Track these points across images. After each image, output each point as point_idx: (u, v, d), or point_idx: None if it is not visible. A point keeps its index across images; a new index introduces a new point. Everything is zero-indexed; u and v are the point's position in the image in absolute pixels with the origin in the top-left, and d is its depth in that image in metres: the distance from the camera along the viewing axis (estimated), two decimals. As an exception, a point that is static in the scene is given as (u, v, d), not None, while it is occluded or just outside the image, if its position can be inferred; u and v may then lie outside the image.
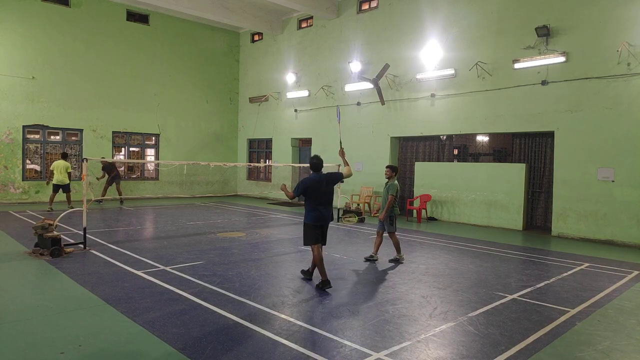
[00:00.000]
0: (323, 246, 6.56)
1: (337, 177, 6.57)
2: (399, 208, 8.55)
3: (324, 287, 6.29)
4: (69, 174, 14.25)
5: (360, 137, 16.46)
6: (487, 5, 12.97)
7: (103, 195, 16.10)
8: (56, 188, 14.06)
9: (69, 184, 14.27)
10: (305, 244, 6.51)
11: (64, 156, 14.50)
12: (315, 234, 6.39)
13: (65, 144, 17.17)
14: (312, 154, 18.93)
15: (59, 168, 13.99)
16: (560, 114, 11.61)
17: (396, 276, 7.18)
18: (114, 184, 16.37)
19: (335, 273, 7.21)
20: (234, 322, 4.93)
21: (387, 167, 8.36)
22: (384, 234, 8.33)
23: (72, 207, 13.65)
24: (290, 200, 6.47)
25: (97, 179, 16.14)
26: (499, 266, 8.08)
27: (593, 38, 11.04)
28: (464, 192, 13.62)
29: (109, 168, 16.09)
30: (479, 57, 13.01)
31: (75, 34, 17.03)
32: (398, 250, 8.22)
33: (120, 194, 16.47)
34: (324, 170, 6.65)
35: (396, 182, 8.24)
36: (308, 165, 6.65)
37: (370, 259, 8.19)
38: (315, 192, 6.35)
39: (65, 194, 14.36)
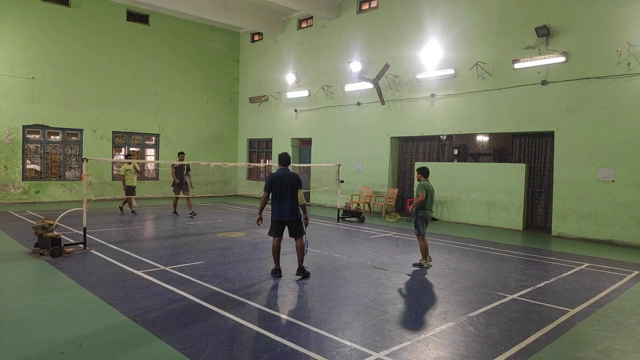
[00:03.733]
0: (300, 237, 6.88)
1: (296, 186, 6.75)
2: (430, 211, 7.91)
3: (274, 274, 6.89)
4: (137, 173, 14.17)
5: (360, 137, 16.47)
6: (487, 5, 12.97)
7: (184, 209, 13.81)
8: (131, 190, 13.86)
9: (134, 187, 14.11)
10: (269, 234, 6.94)
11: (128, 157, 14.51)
12: (276, 228, 6.82)
13: (65, 144, 17.17)
14: (311, 154, 18.87)
15: (132, 170, 13.91)
16: (560, 114, 11.61)
17: (396, 276, 7.18)
18: (182, 192, 13.55)
19: (335, 273, 7.22)
20: (234, 322, 4.93)
21: (416, 170, 8.21)
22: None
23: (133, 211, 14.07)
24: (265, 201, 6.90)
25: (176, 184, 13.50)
26: (499, 266, 8.08)
27: (593, 38, 11.04)
28: (464, 192, 13.62)
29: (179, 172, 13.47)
30: (479, 57, 13.01)
31: (75, 33, 17.04)
32: (422, 254, 7.87)
33: (189, 205, 13.75)
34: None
35: (426, 182, 7.95)
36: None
37: (419, 265, 7.86)
38: (278, 188, 6.71)
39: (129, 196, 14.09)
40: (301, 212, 6.90)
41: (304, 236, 6.96)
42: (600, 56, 10.91)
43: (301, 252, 6.89)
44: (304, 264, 6.97)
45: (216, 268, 7.31)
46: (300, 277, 6.84)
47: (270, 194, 6.82)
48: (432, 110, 14.35)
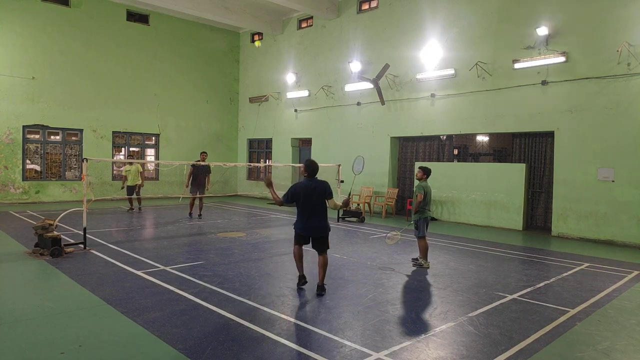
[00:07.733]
0: (325, 252, 6.17)
1: (326, 193, 6.00)
2: (430, 211, 7.88)
3: (299, 284, 6.22)
4: (141, 174, 14.63)
5: (360, 137, 16.46)
6: (487, 5, 12.96)
7: (194, 211, 13.19)
8: (131, 190, 14.55)
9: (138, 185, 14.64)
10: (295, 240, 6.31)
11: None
12: (299, 239, 6.17)
13: (65, 144, 17.17)
14: (311, 154, 18.74)
15: (134, 172, 14.42)
16: (560, 114, 11.61)
17: (396, 276, 7.18)
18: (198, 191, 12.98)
19: (335, 273, 7.21)
20: (234, 322, 4.93)
21: (418, 168, 8.16)
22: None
23: (140, 208, 14.97)
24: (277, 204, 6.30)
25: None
26: (499, 266, 8.08)
27: (593, 38, 11.04)
28: (464, 192, 13.61)
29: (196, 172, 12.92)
30: (479, 57, 13.00)
31: (75, 34, 17.03)
32: (423, 255, 7.80)
33: (200, 207, 13.33)
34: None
35: (425, 183, 7.91)
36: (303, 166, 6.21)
37: (416, 263, 7.85)
38: (306, 201, 5.91)
39: (136, 196, 14.85)
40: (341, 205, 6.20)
41: None
42: (600, 56, 10.91)
43: (323, 268, 6.09)
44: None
45: (216, 268, 7.31)
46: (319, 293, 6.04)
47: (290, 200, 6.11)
48: (432, 110, 14.34)
